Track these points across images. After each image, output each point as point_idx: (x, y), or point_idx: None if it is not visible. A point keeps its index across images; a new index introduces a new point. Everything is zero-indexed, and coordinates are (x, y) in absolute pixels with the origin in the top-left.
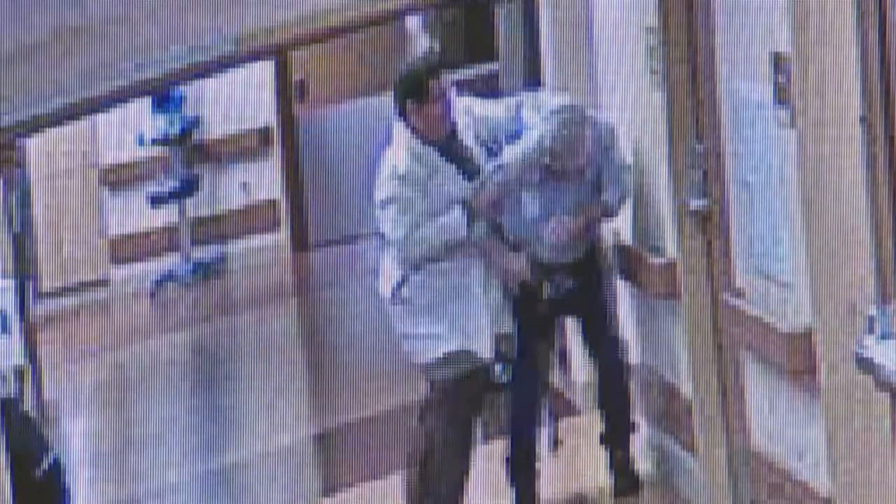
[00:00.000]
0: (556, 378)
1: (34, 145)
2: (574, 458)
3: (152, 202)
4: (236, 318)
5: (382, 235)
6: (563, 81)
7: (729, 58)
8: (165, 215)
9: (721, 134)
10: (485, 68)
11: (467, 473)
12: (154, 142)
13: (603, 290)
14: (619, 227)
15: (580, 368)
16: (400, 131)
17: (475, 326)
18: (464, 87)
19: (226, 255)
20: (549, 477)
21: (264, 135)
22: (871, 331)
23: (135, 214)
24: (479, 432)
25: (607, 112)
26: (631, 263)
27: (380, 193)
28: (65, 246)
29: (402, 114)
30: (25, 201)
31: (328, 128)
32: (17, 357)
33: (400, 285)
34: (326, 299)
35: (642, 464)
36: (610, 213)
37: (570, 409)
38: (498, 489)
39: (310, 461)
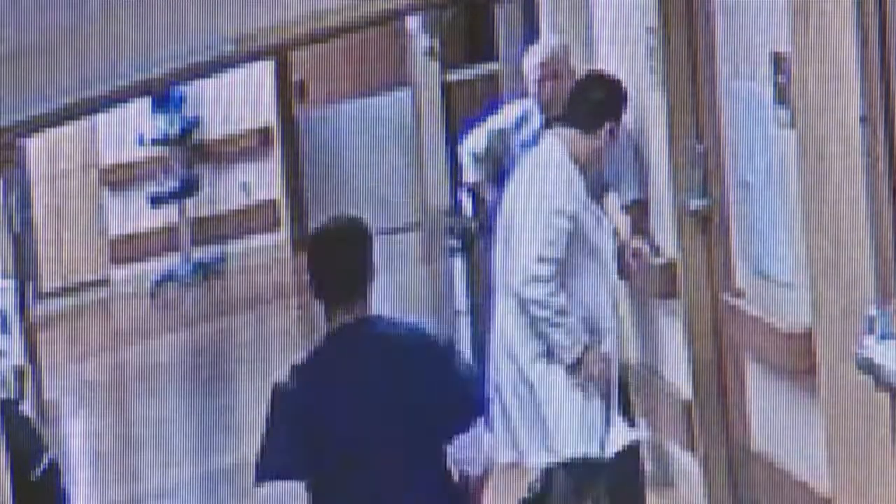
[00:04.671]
0: None
1: (34, 145)
2: None
3: (152, 202)
4: (236, 318)
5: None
6: None
7: (729, 58)
8: (165, 215)
9: (721, 134)
10: (485, 68)
11: None
12: (154, 142)
13: None
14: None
15: None
16: (561, 150)
17: (602, 423)
18: (464, 87)
19: (226, 255)
20: None
21: (264, 135)
22: (871, 331)
23: (135, 214)
24: None
25: None
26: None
27: (548, 209)
28: (65, 246)
29: (583, 130)
30: (25, 201)
31: (328, 128)
32: (17, 357)
33: (546, 354)
34: None
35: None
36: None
37: None
38: (499, 489)
39: None
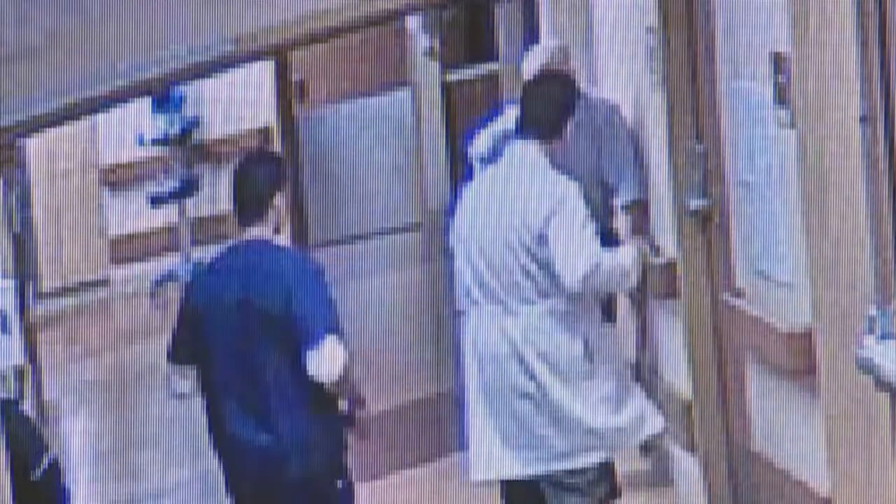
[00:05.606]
0: None
1: (34, 145)
2: None
3: (152, 202)
4: None
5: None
6: None
7: (729, 58)
8: (165, 215)
9: (721, 134)
10: (485, 68)
11: None
12: (154, 142)
13: None
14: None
15: None
16: (537, 156)
17: (630, 426)
18: (464, 87)
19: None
20: None
21: (264, 135)
22: (871, 331)
23: (135, 214)
24: None
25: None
26: None
27: (558, 220)
28: (65, 246)
29: (551, 135)
30: (25, 201)
31: (328, 128)
32: (17, 357)
33: (585, 355)
34: None
35: (642, 464)
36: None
37: None
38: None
39: None
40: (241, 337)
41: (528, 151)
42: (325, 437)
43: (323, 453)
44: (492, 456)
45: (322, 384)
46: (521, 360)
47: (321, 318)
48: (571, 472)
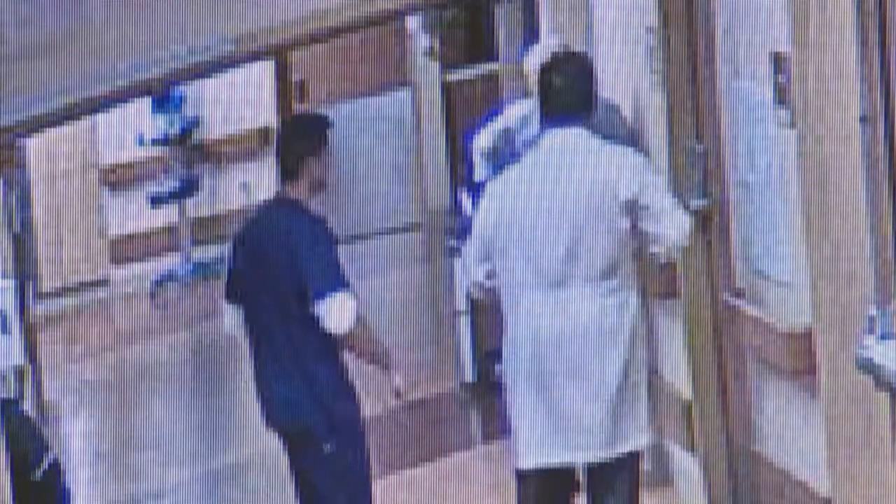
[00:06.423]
0: None
1: (34, 145)
2: None
3: (152, 202)
4: None
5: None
6: None
7: (729, 58)
8: (165, 215)
9: (721, 134)
10: (485, 68)
11: None
12: (154, 142)
13: None
14: None
15: None
16: (587, 135)
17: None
18: (464, 87)
19: (226, 255)
20: None
21: (264, 135)
22: (871, 331)
23: (135, 214)
24: (479, 433)
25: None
26: None
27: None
28: (65, 246)
29: (586, 113)
30: (25, 201)
31: None
32: (17, 357)
33: (636, 335)
34: None
35: (642, 464)
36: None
37: None
38: (499, 489)
39: None
40: (252, 289)
41: (577, 134)
42: (313, 396)
43: (312, 411)
44: (544, 443)
45: (325, 344)
46: (584, 342)
47: (329, 274)
48: (623, 457)
